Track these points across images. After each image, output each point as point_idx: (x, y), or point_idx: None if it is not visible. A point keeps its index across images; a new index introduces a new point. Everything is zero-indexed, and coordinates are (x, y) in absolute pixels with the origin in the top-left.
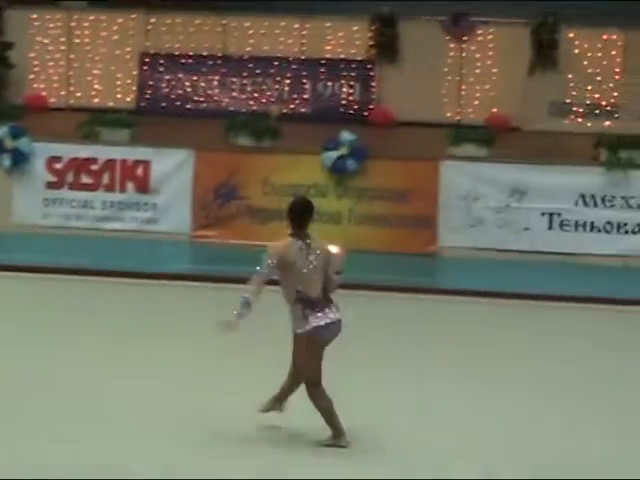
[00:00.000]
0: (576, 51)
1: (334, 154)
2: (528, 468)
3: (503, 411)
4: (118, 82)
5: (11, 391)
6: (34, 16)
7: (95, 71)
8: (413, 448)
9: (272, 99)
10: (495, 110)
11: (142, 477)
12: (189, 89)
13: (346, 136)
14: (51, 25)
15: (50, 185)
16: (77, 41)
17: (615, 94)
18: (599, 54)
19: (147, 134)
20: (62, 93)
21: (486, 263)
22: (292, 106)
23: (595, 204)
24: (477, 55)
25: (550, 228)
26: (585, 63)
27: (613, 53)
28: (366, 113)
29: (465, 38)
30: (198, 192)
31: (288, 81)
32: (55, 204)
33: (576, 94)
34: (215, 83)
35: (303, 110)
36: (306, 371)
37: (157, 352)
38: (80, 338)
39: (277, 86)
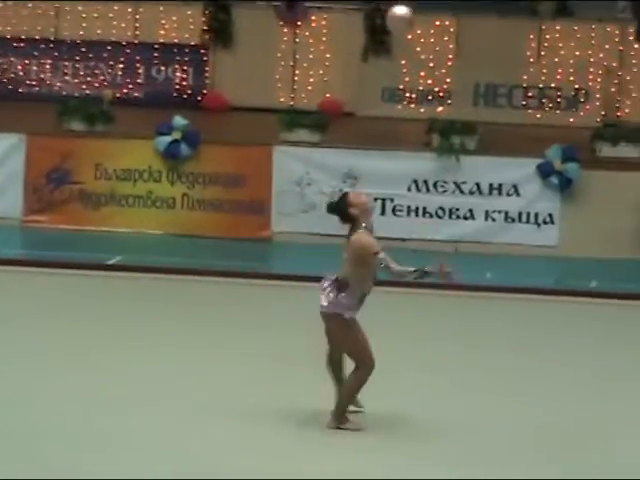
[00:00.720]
0: (409, 37)
1: (167, 139)
2: None
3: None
4: None
5: None
6: None
7: None
8: None
9: (105, 83)
10: (328, 96)
11: None
12: (21, 73)
13: (179, 121)
14: None
15: None
16: None
17: (448, 80)
18: (432, 40)
19: None
20: None
21: (319, 248)
22: (125, 91)
23: (427, 190)
24: (311, 41)
25: (383, 213)
26: (418, 49)
27: (446, 39)
28: (199, 98)
29: (299, 24)
30: (30, 177)
31: (121, 65)
32: None
33: (409, 80)
34: (48, 67)
35: (136, 95)
36: (360, 352)
37: None
38: None
39: (110, 70)
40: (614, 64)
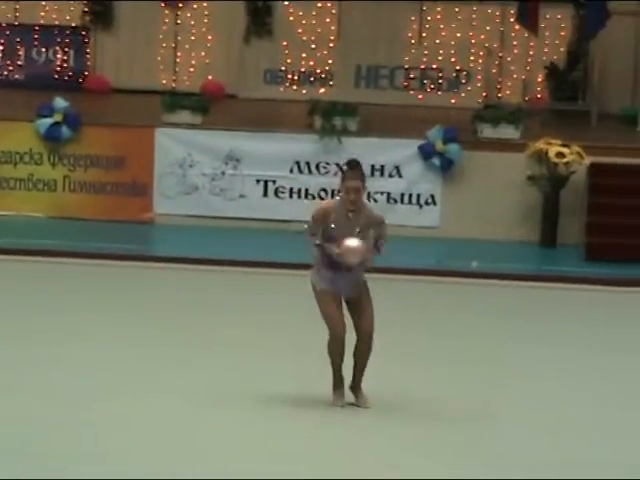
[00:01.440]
0: (291, 18)
1: (48, 121)
2: None
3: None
4: None
5: None
6: None
7: None
8: None
9: None
10: (210, 78)
11: None
12: None
13: (60, 103)
14: None
15: None
16: None
17: (329, 61)
18: (313, 22)
19: None
20: None
21: (201, 230)
22: (5, 73)
23: (310, 171)
24: (192, 22)
25: (265, 195)
26: (299, 31)
27: (327, 20)
28: (81, 80)
29: (180, 5)
30: None
31: (1, 47)
32: None
33: (290, 62)
34: None
35: (17, 77)
36: (326, 322)
37: None
38: None
39: None
40: (495, 45)
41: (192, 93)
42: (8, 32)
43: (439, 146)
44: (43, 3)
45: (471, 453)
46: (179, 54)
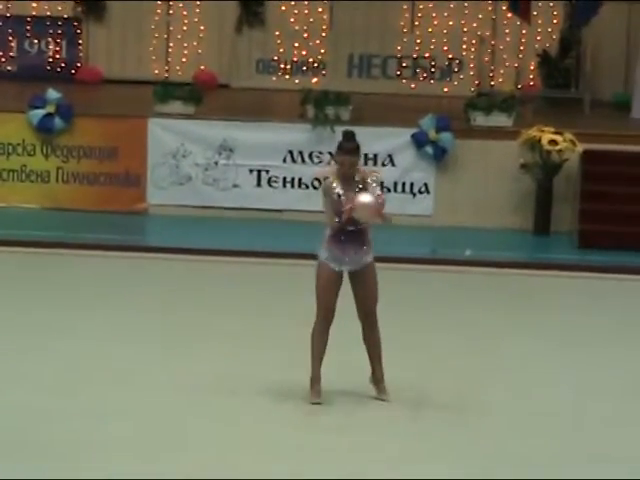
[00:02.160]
0: (283, 8)
1: (40, 112)
2: None
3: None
4: None
5: None
6: None
7: None
8: None
9: None
10: (202, 68)
11: None
12: None
13: (52, 94)
14: None
15: None
16: None
17: (322, 51)
18: (306, 11)
19: None
20: None
21: (195, 221)
22: None
23: (303, 160)
24: (184, 12)
25: (259, 185)
26: (292, 20)
27: (319, 10)
28: (73, 71)
29: None
30: None
31: None
32: None
33: (283, 51)
34: None
35: (9, 68)
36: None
37: None
38: None
39: None
40: (487, 33)
41: (184, 83)
42: (0, 23)
43: (432, 135)
44: None
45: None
46: (171, 44)
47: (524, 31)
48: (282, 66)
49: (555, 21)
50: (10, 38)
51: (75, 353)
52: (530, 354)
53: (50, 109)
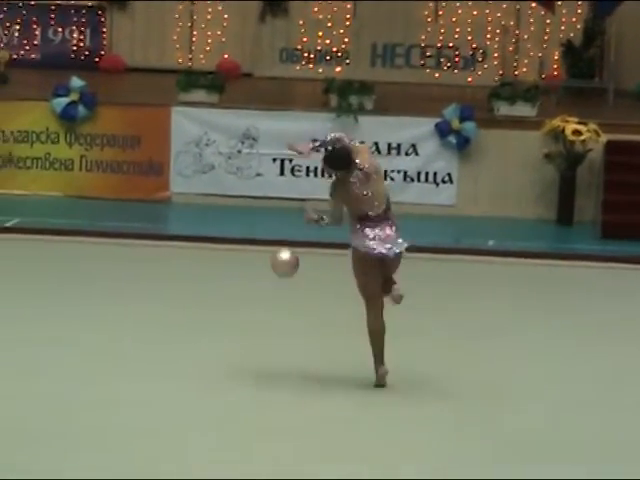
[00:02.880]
0: None
1: (64, 100)
2: None
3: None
4: None
5: None
6: None
7: None
8: None
9: (1, 45)
10: (226, 56)
11: None
12: None
13: (76, 82)
14: None
15: None
16: None
17: (345, 40)
18: (330, 1)
19: None
20: None
21: (217, 209)
22: (22, 52)
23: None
24: (208, 1)
25: (282, 174)
26: (315, 9)
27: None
28: (97, 60)
29: None
30: None
31: (18, 27)
32: None
33: (307, 40)
34: None
35: (33, 56)
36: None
37: None
38: None
39: (6, 32)
40: (511, 23)
41: (208, 72)
42: (24, 12)
43: (455, 124)
44: None
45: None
46: (195, 33)
47: (548, 21)
48: (305, 55)
49: (579, 11)
50: (34, 26)
51: (95, 339)
52: (552, 340)
53: (74, 97)
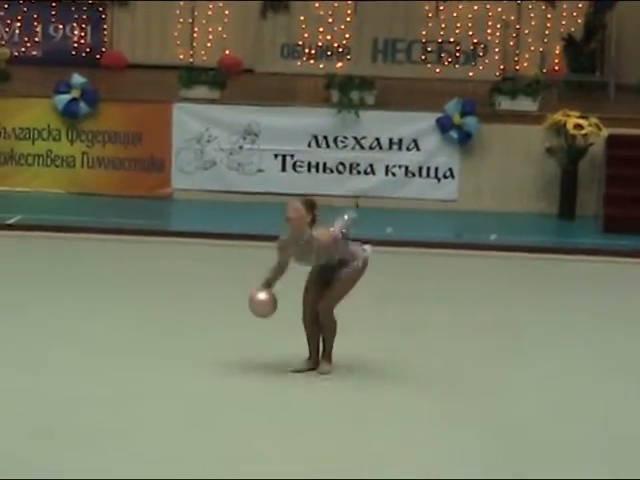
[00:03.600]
0: None
1: (65, 97)
2: None
3: None
4: None
5: None
6: None
7: None
8: None
9: (2, 42)
10: (227, 52)
11: None
12: None
13: (77, 79)
14: None
15: None
16: None
17: (346, 36)
18: None
19: None
20: None
21: (219, 205)
22: (23, 49)
23: (327, 145)
24: None
25: (284, 170)
26: (316, 5)
27: None
28: (98, 56)
29: None
30: None
31: (19, 24)
32: None
33: (308, 36)
34: None
35: (34, 53)
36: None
37: None
38: None
39: (7, 29)
40: (512, 18)
41: (209, 68)
42: (25, 8)
43: (457, 119)
44: None
45: (486, 425)
46: (196, 29)
47: (549, 15)
48: (307, 51)
49: (580, 5)
50: (35, 23)
51: (100, 334)
52: (553, 334)
53: (75, 94)
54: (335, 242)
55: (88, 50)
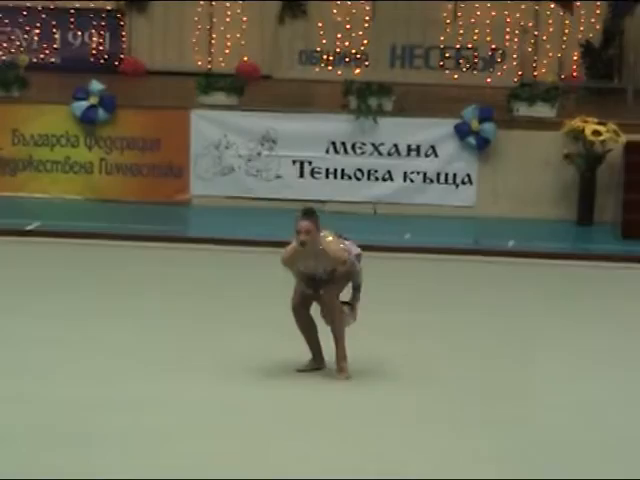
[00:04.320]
0: None
1: (84, 104)
2: None
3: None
4: None
5: None
6: None
7: None
8: None
9: (21, 49)
10: (245, 59)
11: None
12: None
13: (95, 86)
14: None
15: None
16: None
17: (364, 42)
18: (348, 2)
19: None
20: None
21: (237, 211)
22: (41, 56)
23: (345, 151)
24: (227, 4)
25: (302, 176)
26: (334, 11)
27: (362, 1)
28: (116, 63)
29: None
30: None
31: (37, 31)
32: None
33: (326, 42)
34: None
35: (52, 60)
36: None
37: None
38: None
39: (26, 36)
40: (530, 24)
41: (227, 74)
42: (44, 15)
43: (474, 125)
44: None
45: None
46: (214, 36)
47: (567, 21)
48: (324, 57)
49: (598, 11)
50: (54, 30)
51: (119, 340)
52: (572, 340)
53: (93, 101)
54: (345, 264)
55: (106, 57)
